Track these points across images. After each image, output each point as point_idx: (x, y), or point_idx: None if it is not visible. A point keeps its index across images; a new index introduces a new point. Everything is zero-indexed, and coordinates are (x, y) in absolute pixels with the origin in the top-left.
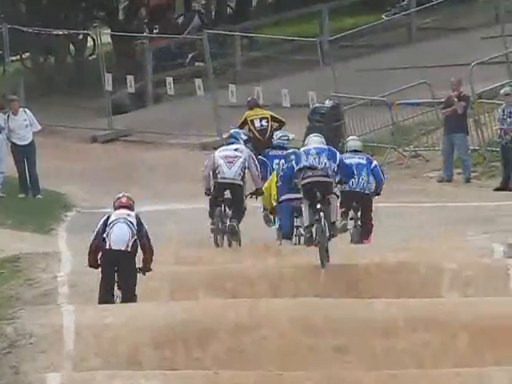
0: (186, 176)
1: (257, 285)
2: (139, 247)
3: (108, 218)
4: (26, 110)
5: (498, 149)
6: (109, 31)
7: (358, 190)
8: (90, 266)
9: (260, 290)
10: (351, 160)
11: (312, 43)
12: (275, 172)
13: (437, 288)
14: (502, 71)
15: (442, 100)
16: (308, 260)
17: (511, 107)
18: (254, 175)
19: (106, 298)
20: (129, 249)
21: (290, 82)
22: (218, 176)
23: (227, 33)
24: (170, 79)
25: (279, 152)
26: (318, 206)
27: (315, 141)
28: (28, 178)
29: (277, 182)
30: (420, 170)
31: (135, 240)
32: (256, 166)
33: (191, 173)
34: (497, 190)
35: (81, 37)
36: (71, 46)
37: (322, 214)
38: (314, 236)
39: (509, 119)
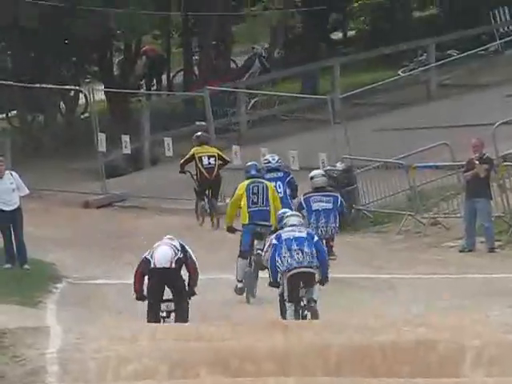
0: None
1: (263, 363)
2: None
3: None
4: (12, 172)
5: None
6: (102, 87)
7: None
8: (137, 299)
9: (266, 368)
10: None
11: (323, 101)
12: (244, 187)
13: (458, 367)
14: None
15: (464, 163)
16: (319, 337)
17: None
18: None
19: (152, 321)
20: (173, 265)
21: (299, 143)
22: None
23: (230, 89)
24: (168, 139)
25: (275, 175)
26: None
27: (294, 222)
28: (14, 247)
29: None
30: (440, 238)
31: (178, 258)
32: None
33: (189, 240)
34: None
35: (72, 93)
36: (61, 104)
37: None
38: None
39: None
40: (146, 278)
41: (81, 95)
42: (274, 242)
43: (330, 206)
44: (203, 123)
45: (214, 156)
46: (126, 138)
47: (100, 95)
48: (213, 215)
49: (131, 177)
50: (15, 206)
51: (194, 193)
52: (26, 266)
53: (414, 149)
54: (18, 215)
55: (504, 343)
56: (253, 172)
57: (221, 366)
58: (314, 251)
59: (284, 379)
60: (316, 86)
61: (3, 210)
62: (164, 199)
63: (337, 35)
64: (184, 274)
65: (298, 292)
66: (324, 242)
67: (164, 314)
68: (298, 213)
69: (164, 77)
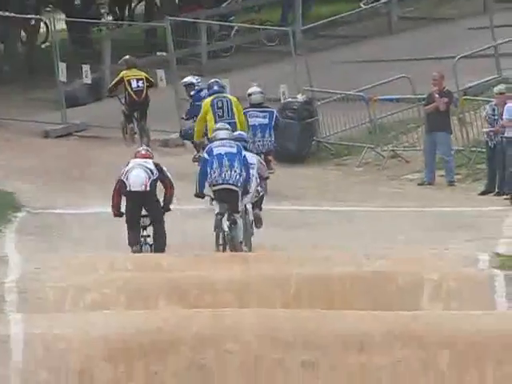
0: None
1: (221, 294)
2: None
3: (127, 163)
4: None
5: (484, 149)
6: (63, 16)
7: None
8: (114, 215)
9: (225, 299)
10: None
11: (284, 32)
12: (209, 103)
13: (416, 300)
14: (489, 65)
15: (424, 96)
16: (278, 269)
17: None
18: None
19: (133, 240)
20: (148, 188)
21: (260, 75)
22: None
23: (192, 20)
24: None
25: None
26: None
27: (223, 135)
28: None
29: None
30: (399, 171)
31: (153, 180)
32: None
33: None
34: (482, 194)
35: (33, 22)
36: (22, 32)
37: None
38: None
39: (500, 120)
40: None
41: (42, 24)
42: (206, 156)
43: (266, 121)
44: (164, 53)
45: (142, 79)
46: (86, 68)
47: (61, 24)
48: (142, 136)
49: (91, 107)
50: None
51: (122, 116)
52: None
53: (374, 81)
54: None
55: (462, 277)
56: (216, 88)
57: (179, 297)
58: (243, 167)
59: (242, 310)
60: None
61: None
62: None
63: None
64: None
65: (225, 205)
66: (262, 156)
67: (144, 233)
68: (227, 126)
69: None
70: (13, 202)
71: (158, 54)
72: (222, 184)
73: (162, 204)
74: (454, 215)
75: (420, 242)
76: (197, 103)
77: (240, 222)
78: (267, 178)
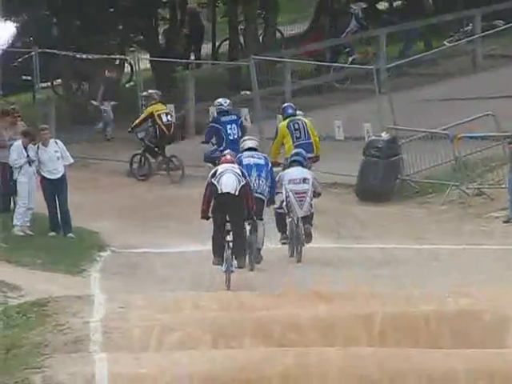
0: None
1: (306, 333)
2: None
3: (216, 170)
4: (57, 141)
5: None
6: (148, 56)
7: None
8: (202, 217)
9: (310, 338)
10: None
11: (368, 71)
12: (285, 125)
13: (502, 338)
14: None
15: (509, 134)
16: (362, 307)
17: None
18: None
19: (218, 241)
20: (237, 193)
21: (344, 113)
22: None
23: (276, 59)
24: (213, 109)
25: (230, 118)
26: None
27: (250, 145)
28: (59, 215)
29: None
30: (484, 209)
31: (242, 186)
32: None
33: None
34: None
35: (117, 62)
36: (107, 72)
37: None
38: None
39: None
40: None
41: (126, 64)
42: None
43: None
44: (248, 92)
45: (169, 113)
46: (170, 107)
47: (145, 64)
48: (170, 169)
49: (175, 146)
50: (60, 175)
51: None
52: (71, 235)
53: (459, 119)
54: (62, 184)
55: None
56: (290, 111)
57: (264, 336)
58: (269, 178)
59: (327, 349)
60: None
61: (48, 179)
62: (206, 167)
63: (383, 4)
64: None
65: None
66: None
67: (228, 238)
68: (253, 137)
69: (209, 46)
70: (97, 241)
71: (242, 92)
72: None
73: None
74: None
75: (506, 281)
76: (212, 124)
77: (261, 229)
78: (319, 194)
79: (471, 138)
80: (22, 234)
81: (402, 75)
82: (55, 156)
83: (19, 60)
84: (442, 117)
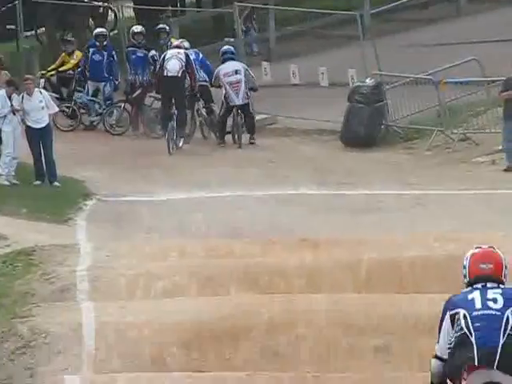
0: (216, 162)
1: (293, 279)
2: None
3: (165, 55)
4: (41, 90)
5: None
6: (131, 4)
7: None
8: (156, 92)
9: (296, 285)
10: None
11: (352, 17)
12: None
13: None
14: None
15: (494, 78)
16: (348, 253)
17: None
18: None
19: (165, 115)
20: (179, 75)
21: (328, 60)
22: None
23: (260, 5)
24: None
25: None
26: None
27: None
28: (44, 164)
29: None
30: (469, 154)
31: (183, 71)
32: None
33: (225, 159)
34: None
35: (101, 10)
36: (90, 21)
37: None
38: None
39: None
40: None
41: (110, 12)
42: None
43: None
44: (232, 39)
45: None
46: (153, 53)
47: (129, 12)
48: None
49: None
50: (44, 124)
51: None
52: (56, 183)
53: (443, 65)
54: (47, 133)
55: None
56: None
57: (250, 283)
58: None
59: (314, 296)
60: None
61: (33, 128)
62: None
63: None
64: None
65: None
66: None
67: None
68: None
69: None
70: (83, 190)
71: (226, 39)
72: None
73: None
74: None
75: (493, 225)
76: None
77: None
78: (256, 89)
79: (455, 83)
80: (7, 183)
81: (386, 21)
82: (40, 106)
83: (3, 9)
84: (426, 62)
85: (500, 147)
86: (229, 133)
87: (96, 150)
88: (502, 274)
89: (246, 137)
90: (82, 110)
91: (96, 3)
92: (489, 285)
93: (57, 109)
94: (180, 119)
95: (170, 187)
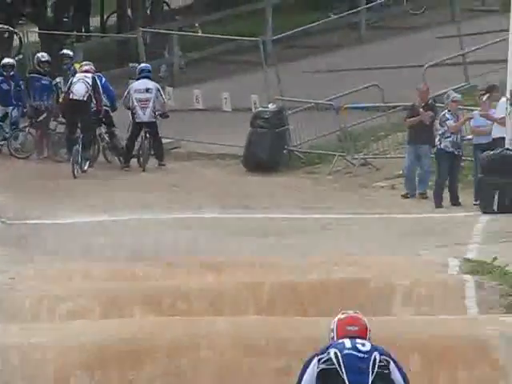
0: (120, 186)
1: (195, 302)
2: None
3: (73, 78)
4: None
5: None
6: (36, 29)
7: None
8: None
9: (199, 307)
10: None
11: (254, 43)
12: None
13: (387, 306)
14: (457, 73)
15: (394, 104)
16: (250, 276)
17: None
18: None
19: (69, 138)
20: (85, 99)
21: (232, 85)
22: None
23: (164, 31)
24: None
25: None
26: None
27: None
28: None
29: None
30: (370, 179)
31: (89, 94)
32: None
33: (129, 183)
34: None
35: (6, 35)
36: None
37: None
38: None
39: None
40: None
41: (15, 37)
42: None
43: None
44: (136, 64)
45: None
46: (60, 80)
47: (34, 37)
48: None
49: None
50: None
51: None
52: None
53: (345, 90)
54: None
55: (433, 282)
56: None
57: (154, 305)
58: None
59: (215, 318)
60: None
61: None
62: None
63: None
64: None
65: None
66: None
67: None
68: None
69: (98, 19)
70: None
71: (131, 65)
72: None
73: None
74: (425, 221)
75: (392, 248)
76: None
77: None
78: (167, 116)
79: (356, 108)
80: None
81: (289, 47)
82: None
83: None
84: (328, 88)
85: (400, 171)
86: (133, 156)
87: (0, 173)
88: (367, 337)
89: (153, 161)
90: None
91: (0, 28)
92: (358, 340)
93: None
94: (85, 142)
95: (75, 210)
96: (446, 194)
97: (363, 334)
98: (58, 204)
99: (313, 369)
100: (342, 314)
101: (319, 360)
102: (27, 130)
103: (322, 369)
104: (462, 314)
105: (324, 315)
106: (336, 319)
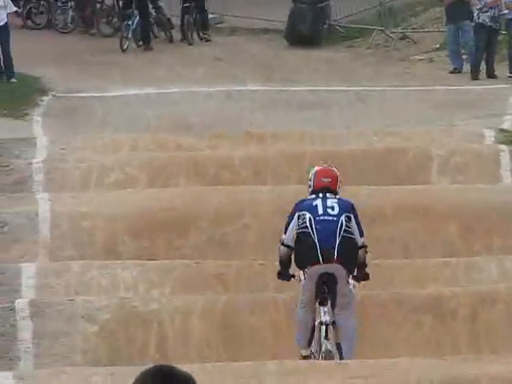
0: (167, 59)
1: (239, 171)
2: None
3: None
4: None
5: None
6: None
7: None
8: None
9: (243, 177)
10: None
11: None
12: None
13: (425, 175)
14: None
15: None
16: (292, 146)
17: None
18: None
19: (124, 12)
20: None
21: None
22: None
23: None
24: None
25: None
26: None
27: None
28: (2, 61)
29: None
30: (408, 52)
31: None
32: None
33: (175, 57)
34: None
35: None
36: None
37: None
38: None
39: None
40: None
41: None
42: None
43: None
44: None
45: None
46: None
47: None
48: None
49: None
50: (3, 23)
51: None
52: (13, 80)
53: None
54: (5, 31)
55: (468, 152)
56: None
57: (199, 175)
58: None
59: (258, 187)
60: None
61: None
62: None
63: None
64: None
65: None
66: None
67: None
68: None
69: None
70: (40, 86)
71: None
72: None
73: None
74: (462, 93)
75: (428, 120)
76: None
77: None
78: None
79: None
80: None
81: None
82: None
83: None
84: None
85: (437, 46)
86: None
87: (50, 48)
88: (337, 186)
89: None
90: (34, 10)
91: None
92: (328, 195)
93: (14, 8)
94: (141, 19)
95: (123, 84)
96: (483, 67)
97: (334, 185)
98: (106, 78)
99: (294, 223)
100: (319, 167)
101: (298, 217)
102: (73, 5)
103: (300, 231)
104: (496, 183)
105: (364, 184)
106: (314, 170)
